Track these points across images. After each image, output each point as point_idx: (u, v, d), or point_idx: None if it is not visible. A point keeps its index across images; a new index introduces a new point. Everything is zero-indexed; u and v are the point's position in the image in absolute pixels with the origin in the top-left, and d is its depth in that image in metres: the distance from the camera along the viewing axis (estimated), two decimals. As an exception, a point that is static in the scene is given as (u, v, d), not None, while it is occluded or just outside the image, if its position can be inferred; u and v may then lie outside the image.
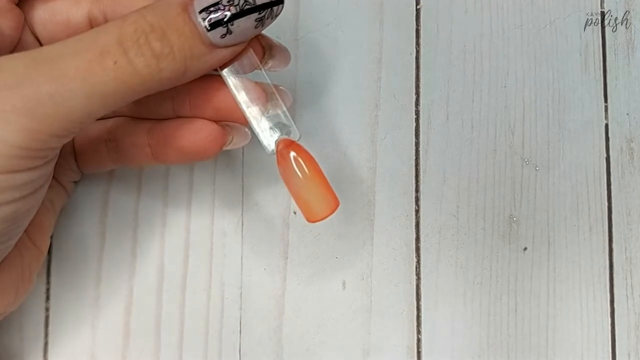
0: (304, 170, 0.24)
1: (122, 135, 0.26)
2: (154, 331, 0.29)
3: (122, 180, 0.30)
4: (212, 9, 0.22)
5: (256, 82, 0.25)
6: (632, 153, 0.31)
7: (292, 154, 0.24)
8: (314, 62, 0.31)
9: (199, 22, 0.22)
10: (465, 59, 0.31)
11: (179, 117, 0.26)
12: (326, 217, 0.23)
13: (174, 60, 0.22)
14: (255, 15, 0.22)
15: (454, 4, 0.32)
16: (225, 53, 0.23)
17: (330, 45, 0.31)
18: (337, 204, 0.24)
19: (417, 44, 0.31)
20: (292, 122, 0.25)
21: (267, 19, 0.23)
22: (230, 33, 0.22)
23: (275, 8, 0.23)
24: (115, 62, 0.21)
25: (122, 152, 0.26)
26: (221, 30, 0.22)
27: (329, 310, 0.30)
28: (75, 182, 0.29)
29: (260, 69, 0.25)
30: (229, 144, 0.26)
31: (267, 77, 0.25)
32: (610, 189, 0.31)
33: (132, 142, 0.26)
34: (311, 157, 0.24)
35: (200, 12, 0.22)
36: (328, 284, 0.30)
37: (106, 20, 0.25)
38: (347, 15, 0.31)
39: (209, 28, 0.22)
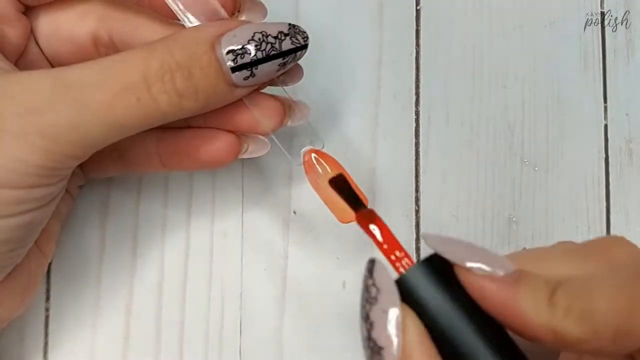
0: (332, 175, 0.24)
1: (129, 144, 0.26)
2: (155, 332, 0.29)
3: (123, 182, 0.30)
4: (239, 51, 0.22)
5: (274, 97, 0.25)
6: (631, 153, 0.31)
7: (320, 162, 0.25)
8: (314, 63, 0.31)
9: (224, 62, 0.22)
10: (465, 59, 0.31)
11: (190, 127, 0.26)
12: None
13: (196, 99, 0.22)
14: (279, 61, 0.23)
15: (454, 5, 0.32)
16: (244, 92, 0.23)
17: (330, 46, 0.31)
18: (367, 203, 0.24)
19: (417, 44, 0.31)
20: (315, 131, 0.25)
21: (290, 62, 0.23)
22: (254, 76, 0.22)
23: (298, 53, 0.23)
24: (138, 99, 0.21)
25: (130, 161, 0.26)
26: (245, 73, 0.22)
27: (330, 310, 0.30)
28: (80, 186, 0.29)
29: (276, 85, 0.25)
30: (244, 152, 0.26)
31: (284, 90, 0.25)
32: (608, 189, 0.31)
33: (140, 151, 0.26)
34: (337, 162, 0.25)
35: (227, 53, 0.22)
36: (328, 284, 0.30)
37: (111, 42, 0.25)
38: (347, 16, 0.31)
39: (233, 69, 0.22)
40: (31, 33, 0.25)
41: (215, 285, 0.30)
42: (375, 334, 0.19)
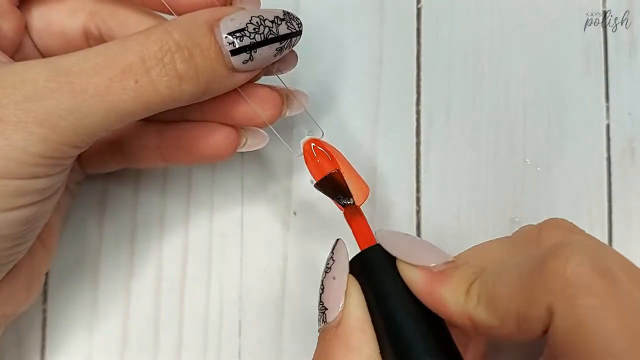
0: (334, 164, 0.25)
1: (129, 138, 0.26)
2: (153, 333, 0.29)
3: (120, 182, 0.30)
4: (238, 34, 0.22)
5: (271, 87, 0.25)
6: (633, 153, 0.31)
7: (320, 150, 0.25)
8: (314, 62, 0.31)
9: (224, 45, 0.22)
10: (466, 59, 0.31)
11: (187, 120, 0.26)
12: (361, 204, 0.25)
13: (197, 82, 0.22)
14: (276, 45, 0.23)
15: (455, 4, 0.32)
16: (242, 77, 0.23)
17: (330, 45, 0.31)
18: (369, 190, 0.25)
19: (418, 43, 0.31)
20: (314, 120, 0.25)
21: (286, 48, 0.23)
22: (252, 60, 0.23)
23: (294, 38, 0.24)
24: (136, 82, 0.21)
25: (129, 155, 0.27)
26: (244, 56, 0.22)
27: (330, 311, 0.29)
28: (79, 183, 0.29)
29: (271, 74, 0.25)
30: (243, 145, 0.26)
31: (281, 80, 0.25)
32: (611, 189, 0.31)
33: (140, 144, 0.26)
34: (337, 151, 0.25)
35: (226, 35, 0.22)
36: (328, 285, 0.30)
37: (100, 35, 0.25)
38: (348, 15, 0.31)
39: (233, 53, 0.22)
40: (25, 28, 0.25)
41: (214, 286, 0.29)
42: (324, 297, 0.22)
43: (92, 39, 0.25)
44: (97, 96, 0.20)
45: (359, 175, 0.25)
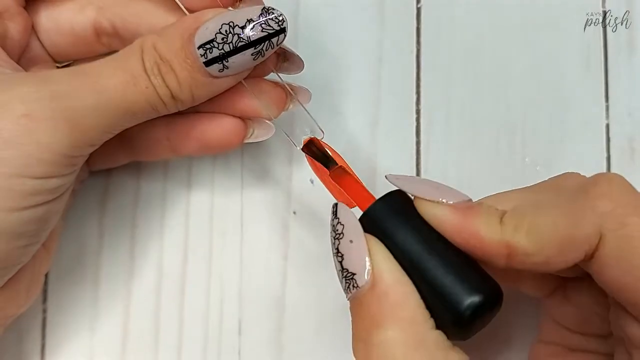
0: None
1: (139, 131, 0.26)
2: (153, 332, 0.29)
3: (120, 181, 0.30)
4: (207, 46, 0.22)
5: (275, 83, 0.26)
6: (633, 153, 0.31)
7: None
8: (314, 61, 0.31)
9: (198, 57, 0.23)
10: (466, 59, 0.31)
11: (196, 112, 0.26)
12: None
13: (182, 91, 0.23)
14: (251, 51, 0.23)
15: (455, 3, 0.32)
16: (228, 81, 0.24)
17: (330, 44, 0.31)
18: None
19: (418, 42, 0.31)
20: (314, 121, 0.26)
21: (267, 50, 0.23)
22: (227, 68, 0.23)
23: (274, 39, 0.23)
24: (146, 87, 0.22)
25: (139, 147, 0.27)
26: (217, 66, 0.23)
27: (330, 311, 0.29)
28: (83, 181, 0.29)
29: (274, 72, 0.26)
30: (250, 136, 0.27)
31: (279, 77, 0.25)
32: (611, 189, 0.31)
33: (150, 136, 0.26)
34: (337, 153, 0.25)
35: (199, 47, 0.22)
36: (328, 284, 0.29)
37: (115, 31, 0.25)
38: (348, 14, 0.31)
39: (206, 63, 0.23)
40: (32, 28, 0.25)
41: (214, 285, 0.29)
42: (346, 263, 0.21)
43: (104, 35, 0.26)
44: (115, 97, 0.22)
45: (358, 180, 0.25)
